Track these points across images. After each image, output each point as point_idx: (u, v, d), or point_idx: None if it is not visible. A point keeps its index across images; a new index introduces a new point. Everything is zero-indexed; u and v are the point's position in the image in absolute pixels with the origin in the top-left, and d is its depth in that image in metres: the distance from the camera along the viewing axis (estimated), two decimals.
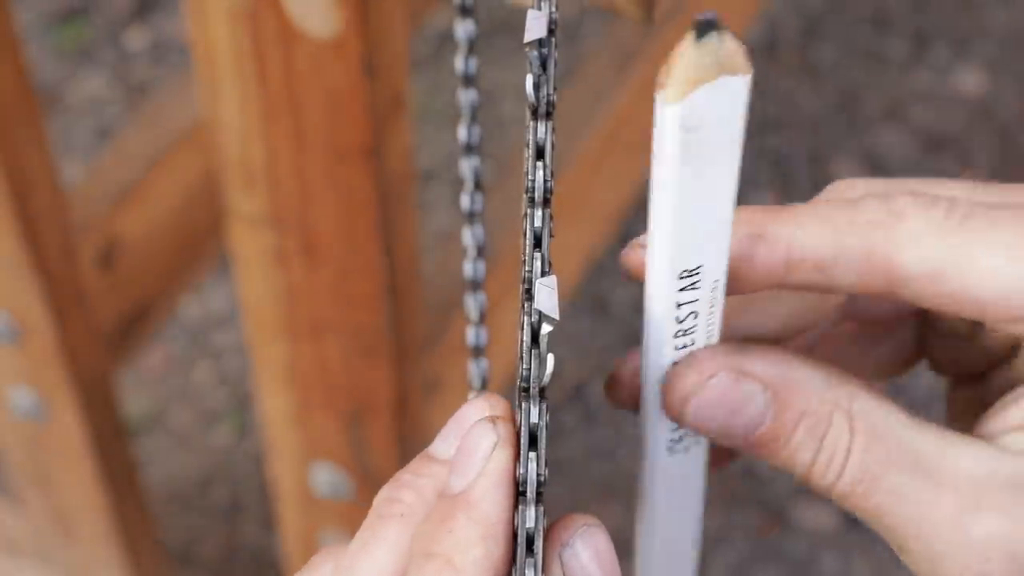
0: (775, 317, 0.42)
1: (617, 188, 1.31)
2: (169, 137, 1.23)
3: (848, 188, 0.40)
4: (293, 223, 0.82)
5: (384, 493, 0.37)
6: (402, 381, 0.90)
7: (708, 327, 0.36)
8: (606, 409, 1.62)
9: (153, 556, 1.27)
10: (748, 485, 1.60)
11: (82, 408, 1.08)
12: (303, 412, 0.94)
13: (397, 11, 0.73)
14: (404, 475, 0.37)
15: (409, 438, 0.94)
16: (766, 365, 0.37)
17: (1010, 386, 0.39)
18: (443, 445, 0.37)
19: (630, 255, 0.37)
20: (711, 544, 1.56)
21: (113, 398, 1.14)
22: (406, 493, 0.36)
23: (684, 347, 0.36)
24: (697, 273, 0.34)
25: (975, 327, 0.41)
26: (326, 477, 0.97)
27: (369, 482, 0.95)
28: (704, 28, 0.30)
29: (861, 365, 0.43)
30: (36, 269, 0.98)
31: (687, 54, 0.31)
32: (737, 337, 0.40)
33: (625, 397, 0.41)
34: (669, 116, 0.31)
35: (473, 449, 0.35)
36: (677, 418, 0.37)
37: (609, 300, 1.72)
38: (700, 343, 0.37)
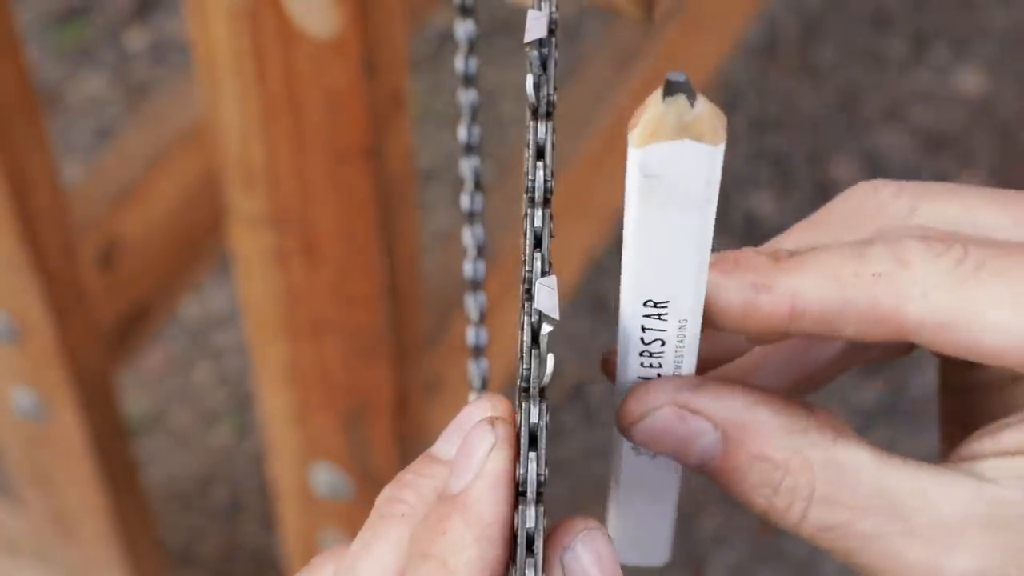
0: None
1: (617, 188, 1.31)
2: (169, 137, 1.23)
3: (872, 194, 0.39)
4: (293, 223, 0.82)
5: (386, 493, 0.37)
6: (402, 381, 0.90)
7: (676, 358, 0.36)
8: (606, 409, 1.62)
9: (153, 556, 1.27)
10: None
11: (82, 408, 1.08)
12: (303, 412, 0.94)
13: (397, 11, 0.73)
14: (406, 475, 0.37)
15: (409, 438, 0.94)
16: (718, 404, 0.36)
17: (1008, 408, 0.38)
18: (445, 446, 0.37)
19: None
20: (711, 544, 1.56)
21: (113, 398, 1.14)
22: (408, 493, 0.36)
23: (651, 367, 0.37)
24: (664, 306, 0.35)
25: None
26: (326, 477, 0.97)
27: (369, 482, 0.95)
28: (671, 88, 0.31)
29: (848, 357, 0.42)
30: (36, 269, 0.98)
31: (652, 107, 0.31)
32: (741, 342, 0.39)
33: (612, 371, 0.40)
34: (631, 157, 0.32)
35: (472, 451, 0.35)
36: (627, 438, 0.37)
37: (609, 300, 1.72)
38: (668, 370, 0.37)
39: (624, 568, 0.35)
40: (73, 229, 1.03)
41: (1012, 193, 0.39)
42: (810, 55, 1.92)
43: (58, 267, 1.00)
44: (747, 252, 0.36)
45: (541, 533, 0.33)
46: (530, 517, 0.33)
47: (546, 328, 0.33)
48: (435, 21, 1.88)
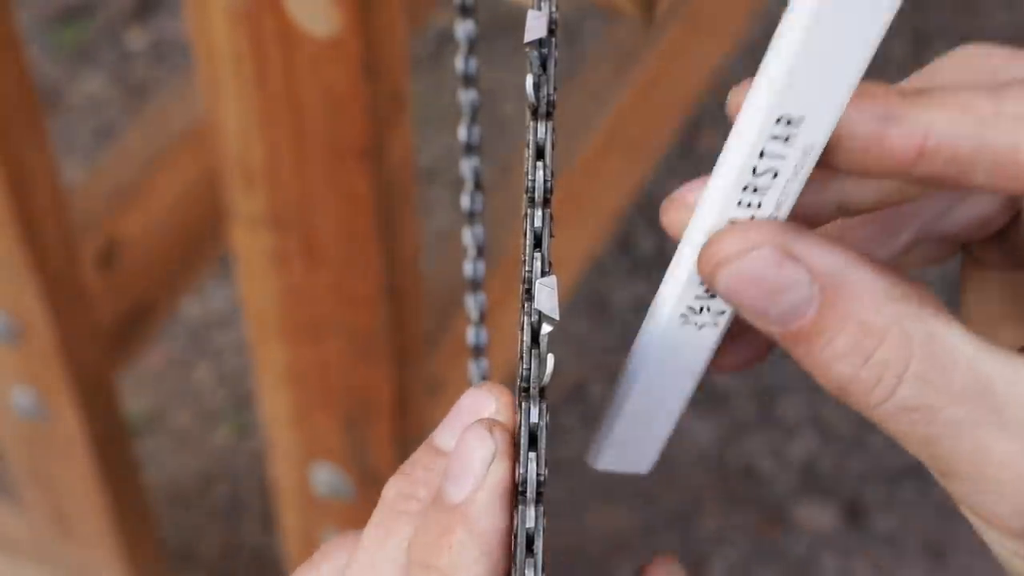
0: (871, 188, 0.36)
1: (617, 188, 1.31)
2: (169, 137, 1.23)
3: (984, 56, 0.35)
4: (293, 223, 0.82)
5: (396, 487, 0.36)
6: (402, 382, 0.90)
7: (782, 197, 0.33)
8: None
9: (153, 556, 1.27)
10: (748, 485, 1.60)
11: (82, 408, 1.08)
12: (303, 412, 0.94)
13: (397, 11, 0.73)
14: (416, 471, 0.36)
15: (409, 439, 0.94)
16: (822, 254, 0.32)
17: None
18: (448, 437, 0.37)
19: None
20: (711, 544, 1.56)
21: (113, 398, 1.14)
22: (420, 490, 0.36)
23: (748, 206, 0.33)
24: (797, 125, 0.31)
25: None
26: (326, 477, 0.97)
27: (369, 482, 0.95)
28: None
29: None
30: (36, 269, 0.98)
31: None
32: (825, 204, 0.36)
33: (675, 224, 0.35)
34: None
35: (470, 456, 0.34)
36: (707, 280, 0.33)
37: (609, 300, 1.72)
38: (767, 211, 0.33)
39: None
40: (73, 229, 1.03)
41: None
42: None
43: (58, 267, 1.00)
44: (873, 84, 0.32)
45: (541, 533, 0.33)
46: (530, 517, 0.33)
47: (546, 328, 0.33)
48: (435, 21, 1.88)
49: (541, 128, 0.34)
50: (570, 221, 1.23)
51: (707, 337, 0.36)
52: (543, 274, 0.33)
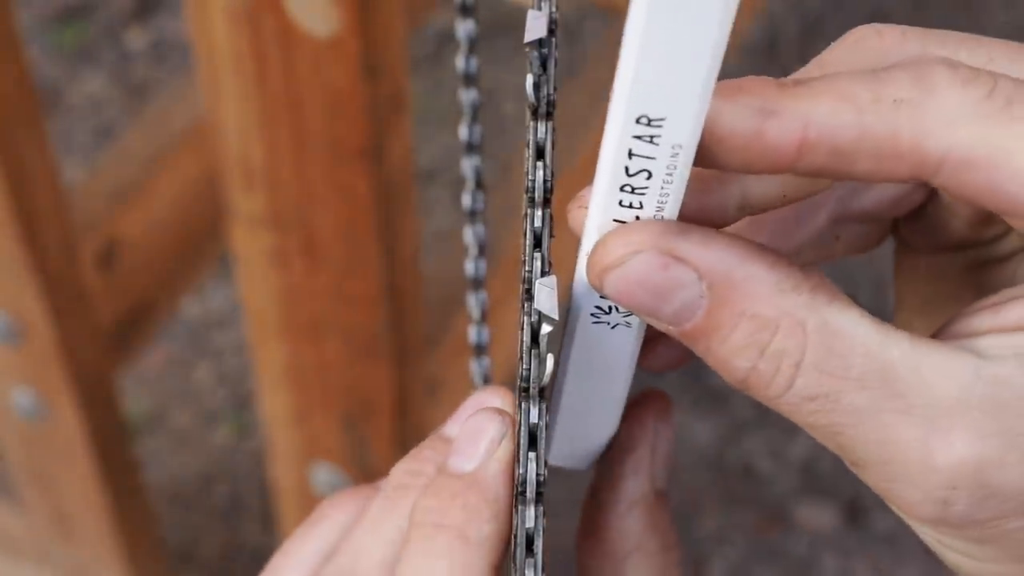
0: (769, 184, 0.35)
1: None
2: (169, 137, 1.23)
3: (875, 36, 0.35)
4: (293, 223, 0.82)
5: (404, 466, 0.37)
6: (402, 381, 0.90)
7: (662, 197, 0.32)
8: None
9: (153, 556, 1.27)
10: (748, 485, 1.60)
11: (82, 408, 1.08)
12: (303, 412, 0.94)
13: (397, 11, 0.73)
14: (423, 452, 0.37)
15: (409, 439, 0.94)
16: (706, 252, 0.32)
17: (1005, 284, 0.35)
18: (456, 428, 0.37)
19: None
20: (711, 544, 1.56)
21: (113, 398, 1.14)
22: (429, 467, 0.37)
23: (630, 206, 0.32)
24: (659, 125, 0.30)
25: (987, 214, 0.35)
26: (326, 477, 0.97)
27: (369, 482, 0.95)
28: None
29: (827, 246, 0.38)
30: (36, 269, 0.98)
31: None
32: (723, 204, 0.35)
33: (579, 224, 0.35)
34: None
35: (479, 432, 0.35)
36: (596, 287, 0.33)
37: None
38: (649, 212, 0.32)
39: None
40: (73, 229, 1.03)
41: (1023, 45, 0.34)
42: (810, 55, 1.91)
43: (58, 267, 1.00)
44: (750, 78, 0.32)
45: (541, 533, 0.33)
46: (530, 517, 0.33)
47: (546, 328, 0.33)
48: (435, 21, 1.88)
49: (541, 128, 0.34)
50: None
51: (623, 336, 0.36)
52: (543, 274, 0.34)
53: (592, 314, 0.35)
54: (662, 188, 0.32)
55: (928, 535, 0.33)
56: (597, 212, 0.33)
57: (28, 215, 0.95)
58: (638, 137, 0.30)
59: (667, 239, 0.32)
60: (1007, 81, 0.31)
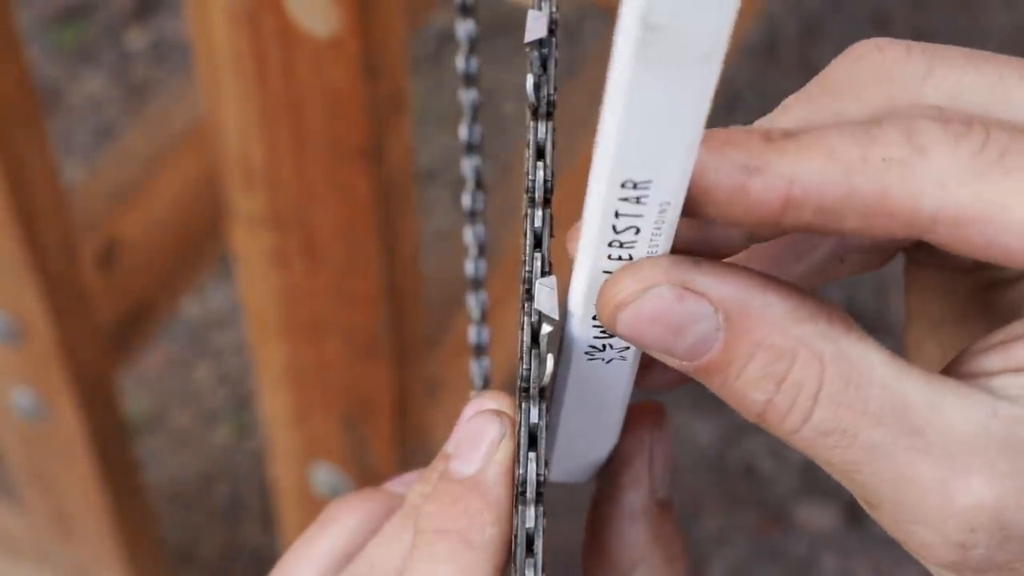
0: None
1: None
2: (169, 137, 1.23)
3: (877, 54, 0.33)
4: (293, 223, 0.82)
5: (419, 488, 0.37)
6: (402, 381, 0.90)
7: (650, 248, 0.32)
8: None
9: (153, 556, 1.27)
10: (748, 485, 1.60)
11: (82, 408, 1.08)
12: (303, 412, 0.94)
13: (397, 11, 0.73)
14: (434, 472, 0.37)
15: (409, 438, 0.94)
16: (721, 284, 0.31)
17: (1015, 306, 0.35)
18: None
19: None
20: (712, 544, 1.56)
21: (113, 398, 1.14)
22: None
23: (619, 259, 0.32)
24: (645, 187, 0.30)
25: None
26: (326, 477, 0.97)
27: (369, 482, 0.95)
28: None
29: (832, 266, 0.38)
30: (36, 269, 0.98)
31: None
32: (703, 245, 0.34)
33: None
34: (628, 5, 0.27)
35: (479, 435, 0.35)
36: (607, 326, 0.32)
37: None
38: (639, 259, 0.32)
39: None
40: (73, 229, 1.03)
41: None
42: (810, 55, 1.92)
43: (58, 267, 1.00)
44: (737, 130, 0.31)
45: (541, 533, 0.33)
46: (530, 517, 0.33)
47: (546, 328, 0.33)
48: (435, 21, 1.88)
49: (541, 128, 0.34)
50: (570, 221, 1.23)
51: (618, 369, 0.35)
52: (543, 274, 0.34)
53: (586, 352, 0.35)
54: (651, 240, 0.31)
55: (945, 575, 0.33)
56: (587, 262, 0.32)
57: (28, 215, 0.95)
58: (624, 199, 0.30)
59: (680, 272, 0.31)
60: (1001, 132, 0.30)
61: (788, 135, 0.31)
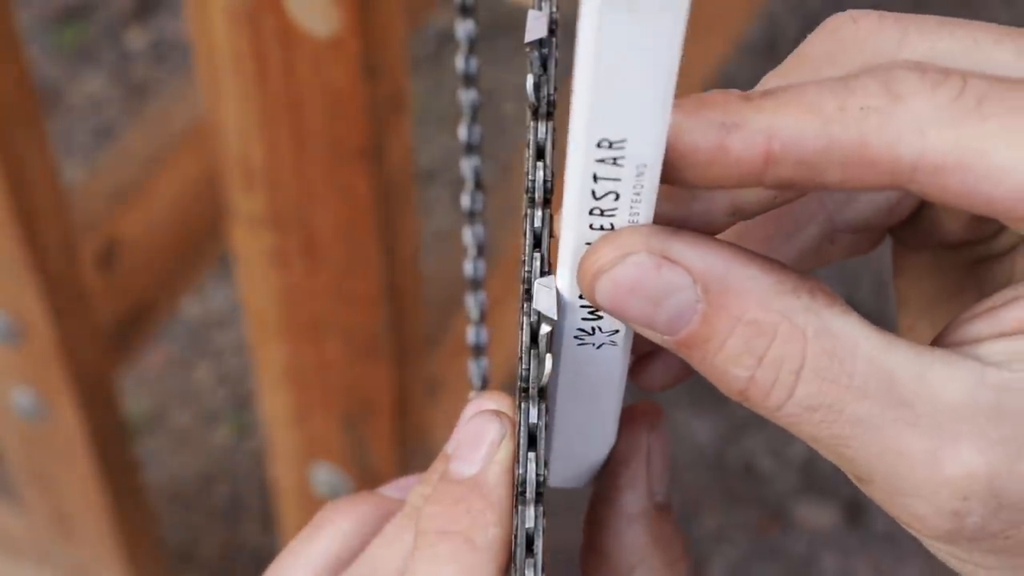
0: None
1: None
2: (169, 137, 1.23)
3: (850, 24, 0.33)
4: (293, 223, 0.82)
5: (420, 489, 0.38)
6: (402, 381, 0.90)
7: (631, 217, 0.31)
8: None
9: (153, 556, 1.27)
10: (748, 484, 1.60)
11: (82, 408, 1.08)
12: (303, 412, 0.94)
13: (397, 11, 0.73)
14: (434, 473, 0.37)
15: (409, 439, 0.94)
16: (700, 255, 0.31)
17: (1004, 280, 0.34)
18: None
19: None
20: (711, 543, 1.56)
21: (113, 398, 1.14)
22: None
23: (601, 228, 0.32)
24: (620, 147, 0.30)
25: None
26: (326, 477, 0.97)
27: (369, 482, 0.95)
28: None
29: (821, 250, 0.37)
30: (36, 269, 0.98)
31: None
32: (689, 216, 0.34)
33: None
34: None
35: (479, 436, 0.35)
36: (587, 296, 0.32)
37: None
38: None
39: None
40: (73, 229, 1.03)
41: (1008, 28, 0.34)
42: None
43: (58, 267, 1.00)
44: (713, 92, 0.31)
45: (541, 533, 0.33)
46: (529, 517, 0.33)
47: (544, 328, 0.33)
48: (435, 21, 1.88)
49: (541, 128, 0.34)
50: None
51: (609, 356, 0.35)
52: (542, 274, 0.33)
53: (576, 336, 0.34)
54: (631, 208, 0.31)
55: (941, 549, 0.33)
56: (570, 236, 0.32)
57: (28, 215, 0.95)
58: (601, 160, 0.30)
59: (659, 240, 0.31)
60: (978, 80, 0.30)
61: (766, 93, 0.31)
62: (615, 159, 0.30)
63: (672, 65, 0.28)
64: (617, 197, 0.31)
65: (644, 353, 0.37)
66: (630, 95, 0.29)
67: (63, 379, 1.06)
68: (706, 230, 0.33)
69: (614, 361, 0.35)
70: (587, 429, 0.38)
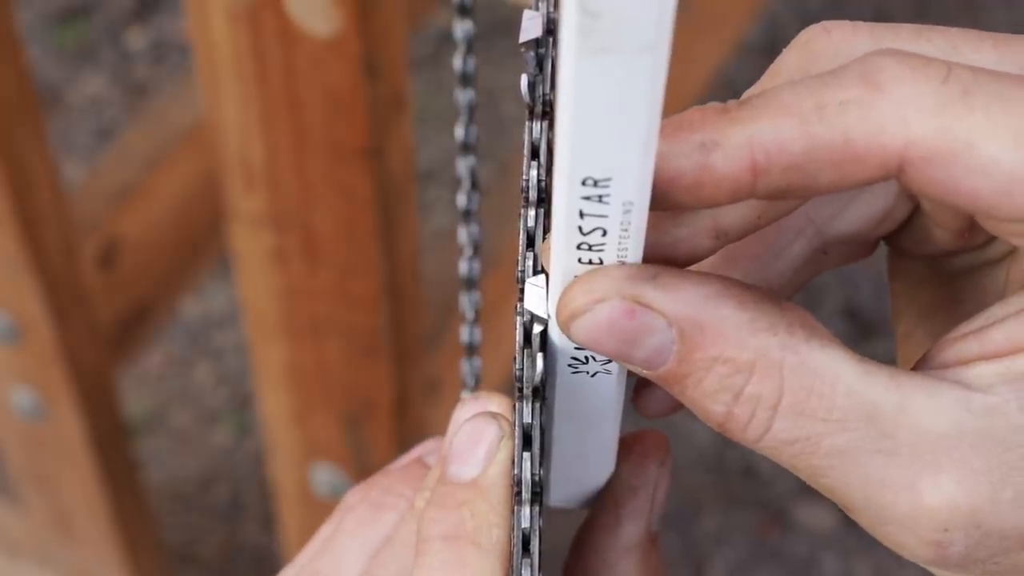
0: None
1: None
2: (169, 137, 1.23)
3: (824, 36, 0.33)
4: (293, 223, 0.82)
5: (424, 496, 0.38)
6: (402, 381, 0.90)
7: (619, 252, 0.31)
8: None
9: (153, 556, 1.27)
10: (748, 485, 1.60)
11: (82, 408, 1.08)
12: (303, 412, 0.94)
13: (397, 11, 0.73)
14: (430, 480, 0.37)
15: (409, 438, 0.94)
16: (674, 298, 0.30)
17: (997, 289, 0.34)
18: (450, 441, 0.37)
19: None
20: (711, 544, 1.56)
21: (113, 398, 1.14)
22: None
23: (589, 262, 0.31)
24: (605, 186, 0.29)
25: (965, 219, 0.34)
26: (326, 477, 0.97)
27: None
28: None
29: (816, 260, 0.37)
30: (36, 269, 0.98)
31: None
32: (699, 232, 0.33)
33: None
34: None
35: (477, 439, 0.35)
36: (566, 335, 0.32)
37: None
38: (610, 263, 0.32)
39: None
40: (73, 229, 1.04)
41: (988, 33, 0.33)
42: None
43: (58, 267, 1.00)
44: (691, 111, 0.30)
45: (537, 533, 0.33)
46: (526, 517, 0.33)
47: (537, 328, 0.33)
48: (435, 21, 1.88)
49: (536, 128, 0.34)
50: None
51: (604, 384, 0.35)
52: (534, 273, 0.33)
53: (569, 365, 0.34)
54: (619, 243, 0.31)
55: (933, 571, 0.32)
56: (558, 269, 0.32)
57: (28, 215, 0.95)
58: (587, 198, 0.30)
59: (632, 285, 0.31)
60: (963, 69, 0.29)
61: (743, 103, 0.30)
62: (600, 196, 0.30)
63: (654, 104, 0.28)
64: (604, 233, 0.31)
65: (645, 380, 0.36)
66: (612, 134, 0.28)
67: (63, 379, 1.06)
68: (693, 255, 0.33)
69: (609, 389, 0.35)
70: (585, 455, 0.38)
